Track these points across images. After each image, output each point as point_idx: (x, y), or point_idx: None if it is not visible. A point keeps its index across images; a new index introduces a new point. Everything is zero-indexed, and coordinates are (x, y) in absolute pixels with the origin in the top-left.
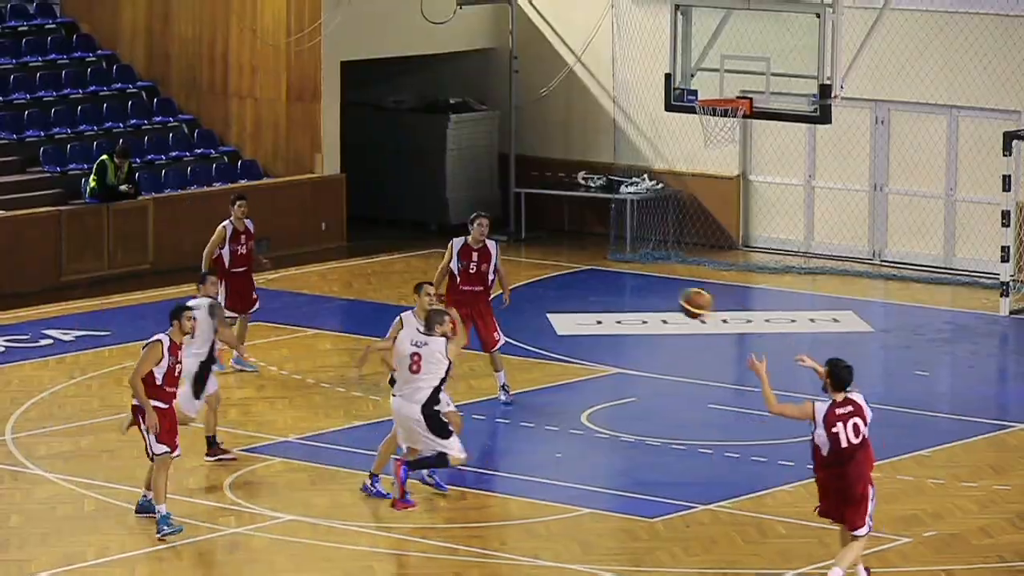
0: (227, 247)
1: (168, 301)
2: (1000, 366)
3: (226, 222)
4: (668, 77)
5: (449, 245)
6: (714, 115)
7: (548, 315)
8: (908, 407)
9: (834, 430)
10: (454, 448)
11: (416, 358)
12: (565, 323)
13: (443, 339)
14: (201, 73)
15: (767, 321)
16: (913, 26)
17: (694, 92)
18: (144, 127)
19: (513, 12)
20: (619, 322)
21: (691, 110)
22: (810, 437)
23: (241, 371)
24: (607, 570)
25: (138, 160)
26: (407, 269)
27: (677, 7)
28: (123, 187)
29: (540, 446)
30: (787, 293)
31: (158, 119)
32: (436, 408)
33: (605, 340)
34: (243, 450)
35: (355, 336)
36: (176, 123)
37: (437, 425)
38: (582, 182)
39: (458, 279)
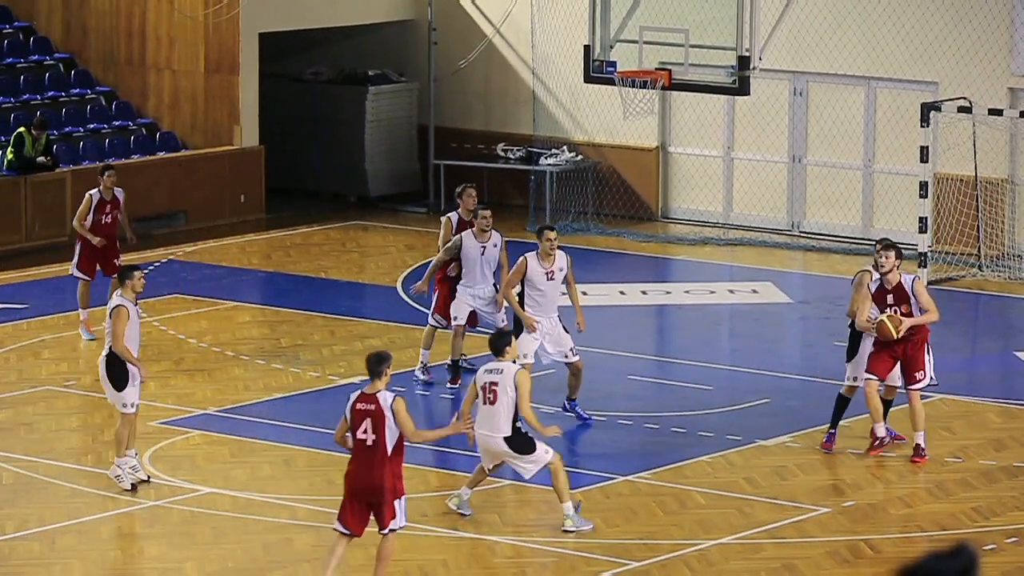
0: (91, 216)
1: None
2: None
3: (94, 191)
4: (587, 48)
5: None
6: (633, 87)
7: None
8: (827, 377)
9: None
10: None
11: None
12: None
13: None
14: (119, 45)
15: (686, 292)
16: None
17: (613, 64)
18: (62, 99)
19: None
20: None
21: (610, 82)
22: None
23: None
24: (527, 541)
25: (55, 132)
26: (326, 241)
27: None
28: (41, 159)
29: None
30: (706, 264)
31: (76, 91)
32: None
33: None
34: (162, 423)
35: (274, 308)
36: (94, 95)
37: None
38: (501, 154)
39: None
